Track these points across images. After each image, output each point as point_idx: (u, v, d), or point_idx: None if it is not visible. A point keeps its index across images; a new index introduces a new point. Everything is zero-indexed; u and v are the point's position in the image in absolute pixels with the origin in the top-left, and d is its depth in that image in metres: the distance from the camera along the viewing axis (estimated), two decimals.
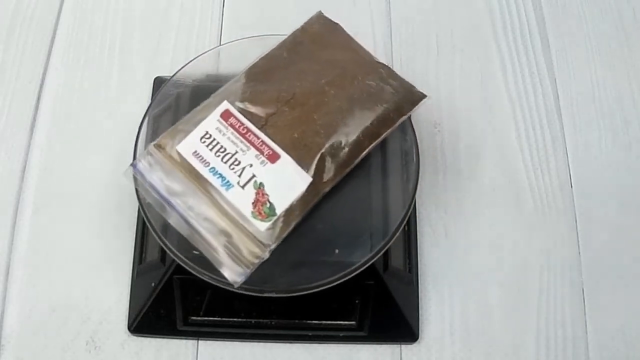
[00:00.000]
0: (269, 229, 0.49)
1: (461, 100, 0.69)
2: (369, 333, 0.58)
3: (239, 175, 0.51)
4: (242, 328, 0.58)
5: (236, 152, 0.51)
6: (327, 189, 0.52)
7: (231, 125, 0.52)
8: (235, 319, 0.57)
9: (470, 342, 0.59)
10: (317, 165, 0.51)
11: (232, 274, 0.49)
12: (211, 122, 0.52)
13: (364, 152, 0.53)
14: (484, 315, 0.60)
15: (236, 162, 0.51)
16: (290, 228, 0.50)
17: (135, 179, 0.51)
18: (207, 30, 0.71)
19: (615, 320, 0.60)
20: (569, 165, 0.66)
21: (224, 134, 0.52)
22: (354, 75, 0.55)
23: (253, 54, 0.60)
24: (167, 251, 0.52)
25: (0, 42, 0.70)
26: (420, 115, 0.68)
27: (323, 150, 0.51)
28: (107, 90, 0.68)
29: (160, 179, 0.51)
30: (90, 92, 0.68)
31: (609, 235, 0.63)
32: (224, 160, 0.51)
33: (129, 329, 0.58)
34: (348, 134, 0.52)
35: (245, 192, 0.50)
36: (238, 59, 0.57)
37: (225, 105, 0.52)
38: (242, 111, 0.52)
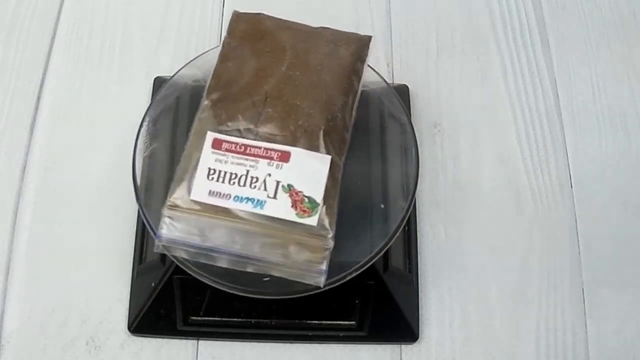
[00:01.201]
0: (320, 220, 0.49)
1: (461, 100, 0.69)
2: (369, 333, 0.58)
3: (265, 189, 0.49)
4: (242, 328, 0.58)
5: (247, 171, 0.50)
6: (344, 159, 0.52)
7: (228, 150, 0.50)
8: (235, 319, 0.57)
9: (470, 342, 0.59)
10: (325, 142, 0.51)
11: (313, 278, 0.48)
12: (208, 158, 0.50)
13: (354, 111, 0.54)
14: (484, 315, 0.60)
15: (254, 180, 0.49)
16: (336, 209, 0.50)
17: (166, 247, 0.49)
18: (207, 30, 0.71)
19: (615, 320, 0.60)
20: (569, 165, 0.66)
21: (226, 162, 0.50)
22: (306, 50, 0.55)
23: None
24: (167, 253, 0.52)
25: (0, 42, 0.70)
26: (420, 115, 0.68)
27: (324, 127, 0.51)
28: (107, 90, 0.68)
29: (192, 234, 0.49)
30: (90, 92, 0.68)
31: (609, 235, 0.63)
32: (241, 184, 0.49)
33: (129, 329, 0.58)
34: (334, 102, 0.53)
35: (279, 200, 0.49)
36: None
37: (210, 135, 0.51)
38: (229, 132, 0.51)
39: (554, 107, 0.69)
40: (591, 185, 0.65)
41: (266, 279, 0.50)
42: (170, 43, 0.71)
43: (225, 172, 0.50)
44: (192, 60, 0.59)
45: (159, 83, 0.67)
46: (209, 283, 0.51)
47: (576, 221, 0.64)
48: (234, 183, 0.49)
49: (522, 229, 0.63)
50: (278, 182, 0.49)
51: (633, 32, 0.73)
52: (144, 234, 0.60)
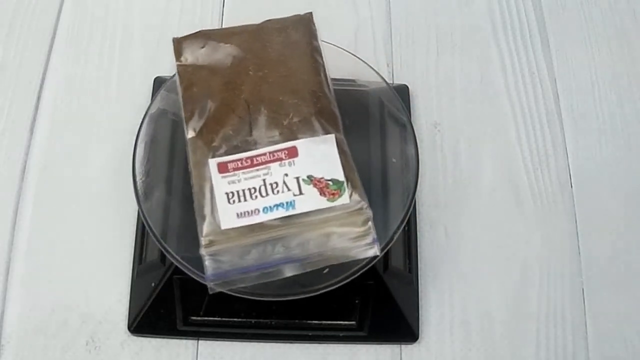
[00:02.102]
0: (350, 195, 0.49)
1: (461, 100, 0.69)
2: (369, 333, 0.58)
3: (288, 189, 0.49)
4: (242, 328, 0.58)
5: (263, 180, 0.49)
6: (342, 131, 0.52)
7: (236, 169, 0.50)
8: (235, 319, 0.57)
9: (470, 342, 0.59)
10: (321, 125, 0.51)
11: (368, 251, 0.49)
12: (220, 184, 0.49)
13: (330, 85, 0.54)
14: (484, 315, 0.60)
15: (274, 185, 0.49)
16: (359, 179, 0.50)
17: (220, 285, 0.48)
18: None
19: (615, 320, 0.60)
20: (569, 165, 0.66)
21: (239, 180, 0.49)
22: (262, 47, 0.55)
23: None
24: (166, 254, 0.52)
25: (0, 42, 0.70)
26: (420, 115, 0.68)
27: (314, 111, 0.52)
28: (107, 90, 0.68)
29: (238, 262, 0.48)
30: (90, 92, 0.68)
31: (609, 235, 0.63)
32: (263, 194, 0.49)
33: (129, 329, 0.58)
34: (311, 84, 0.53)
35: (306, 193, 0.49)
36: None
37: (213, 162, 0.50)
38: (228, 152, 0.50)
39: (554, 107, 0.69)
40: (591, 185, 0.65)
41: (325, 270, 0.50)
42: (170, 43, 0.71)
43: (243, 190, 0.49)
44: None
45: (159, 83, 0.67)
46: (203, 282, 0.51)
47: (576, 221, 0.64)
48: (256, 197, 0.49)
49: (522, 229, 0.63)
50: (297, 178, 0.49)
51: (633, 33, 0.73)
52: (144, 234, 0.60)
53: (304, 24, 0.57)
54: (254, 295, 0.51)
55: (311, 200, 0.49)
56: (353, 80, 0.60)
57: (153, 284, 0.58)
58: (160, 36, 0.71)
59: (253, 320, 0.57)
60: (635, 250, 0.63)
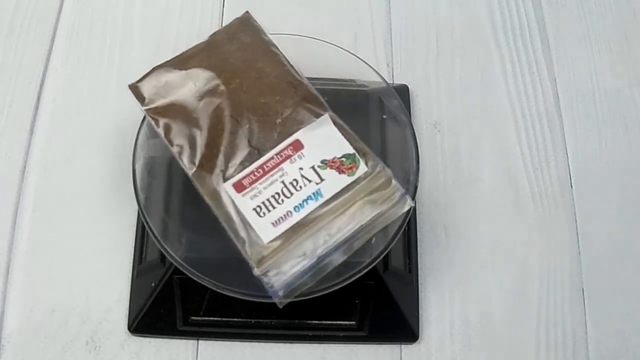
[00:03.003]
0: (366, 163, 0.51)
1: (461, 100, 0.69)
2: (369, 333, 0.58)
3: (309, 181, 0.50)
4: (242, 328, 0.58)
5: (282, 181, 0.50)
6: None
7: (252, 183, 0.50)
8: (235, 319, 0.57)
9: (470, 342, 0.59)
10: (310, 110, 0.52)
11: (403, 206, 0.50)
12: (243, 203, 0.50)
13: (297, 67, 0.55)
14: (484, 315, 0.60)
15: (294, 182, 0.50)
16: (363, 144, 0.52)
17: (288, 295, 0.49)
18: (207, 30, 0.71)
19: (615, 320, 0.60)
20: (569, 165, 0.66)
21: (260, 191, 0.50)
22: (222, 60, 0.55)
23: None
24: (166, 255, 0.52)
25: (0, 42, 0.70)
26: (420, 115, 0.68)
27: (299, 101, 0.53)
28: (107, 90, 0.68)
29: (294, 266, 0.49)
30: (90, 92, 0.68)
31: (609, 235, 0.63)
32: (288, 194, 0.50)
33: (129, 329, 0.58)
34: (284, 77, 0.54)
35: (327, 178, 0.50)
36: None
37: (227, 186, 0.50)
38: (237, 170, 0.51)
39: (554, 107, 0.69)
40: (591, 185, 0.65)
41: (373, 240, 0.51)
42: (170, 43, 0.71)
43: (268, 199, 0.50)
44: None
45: None
46: (207, 285, 0.51)
47: (576, 221, 0.64)
48: (282, 200, 0.50)
49: (522, 229, 0.63)
50: (313, 167, 0.51)
51: (633, 32, 0.73)
52: (144, 234, 0.60)
53: (248, 24, 0.57)
54: (255, 297, 0.51)
55: (334, 182, 0.50)
56: (353, 80, 0.60)
57: (153, 284, 0.58)
58: (160, 36, 0.71)
59: (253, 320, 0.57)
60: (635, 250, 0.63)
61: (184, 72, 0.54)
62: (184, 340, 0.58)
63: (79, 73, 0.69)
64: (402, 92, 0.67)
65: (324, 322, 0.58)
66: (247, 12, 0.57)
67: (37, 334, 0.58)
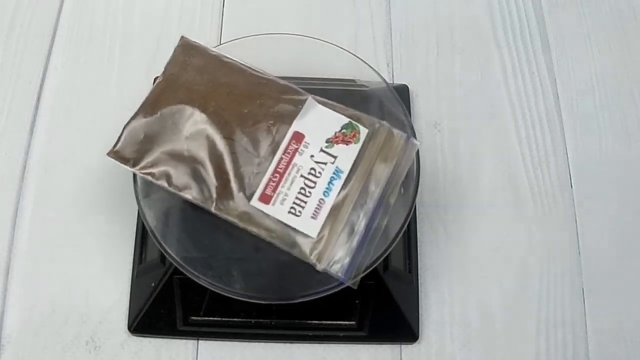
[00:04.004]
0: (364, 126, 0.53)
1: (461, 100, 0.69)
2: (369, 333, 0.58)
3: (324, 164, 0.52)
4: (242, 328, 0.58)
5: (301, 175, 0.52)
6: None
7: (274, 189, 0.51)
8: (235, 319, 0.57)
9: (470, 342, 0.59)
10: (290, 100, 0.54)
11: (412, 150, 0.53)
12: (278, 211, 0.50)
13: (251, 65, 0.56)
14: (484, 315, 0.60)
15: (312, 172, 0.52)
16: (353, 107, 0.54)
17: (356, 274, 0.50)
18: (207, 30, 0.71)
19: (615, 320, 0.60)
20: (569, 165, 0.66)
21: (285, 194, 0.51)
22: (186, 91, 0.54)
23: (253, 53, 0.60)
24: (166, 255, 0.52)
25: (0, 42, 0.70)
26: (420, 115, 0.68)
27: (276, 96, 0.54)
28: (107, 90, 0.68)
29: (348, 248, 0.50)
30: (90, 92, 0.68)
31: (609, 235, 0.63)
32: (312, 185, 0.51)
33: (129, 329, 0.58)
34: (249, 79, 0.55)
35: (339, 155, 0.52)
36: (238, 59, 0.57)
37: (254, 204, 0.50)
38: (255, 185, 0.51)
39: (554, 107, 0.69)
40: (591, 185, 0.65)
41: (402, 190, 0.53)
42: (170, 43, 0.70)
43: (296, 197, 0.51)
44: None
45: None
46: (206, 286, 0.51)
47: (576, 221, 0.64)
48: (310, 192, 0.51)
49: (522, 229, 0.63)
50: (321, 149, 0.52)
51: (633, 32, 0.73)
52: (144, 234, 0.60)
53: (191, 47, 0.56)
54: (256, 299, 0.51)
55: (346, 155, 0.52)
56: (353, 80, 0.60)
57: (153, 284, 0.58)
58: (160, 36, 0.71)
59: (253, 320, 0.57)
60: (635, 250, 0.63)
61: (156, 116, 0.53)
62: (184, 340, 0.58)
63: (79, 73, 0.69)
64: (402, 92, 0.67)
65: (324, 322, 0.58)
66: (182, 36, 0.57)
67: (37, 334, 0.58)
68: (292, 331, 0.58)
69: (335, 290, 0.51)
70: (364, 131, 0.53)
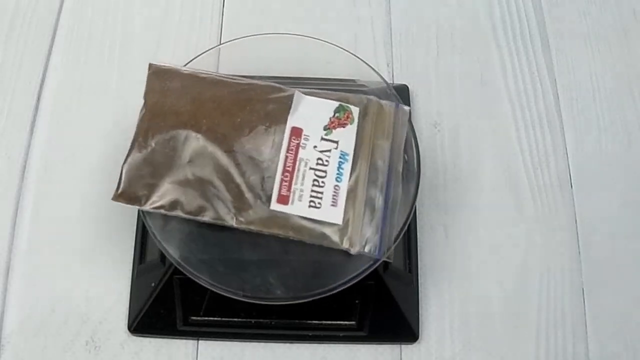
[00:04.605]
0: (353, 104, 0.55)
1: (461, 100, 0.69)
2: (369, 333, 0.58)
3: (329, 152, 0.53)
4: (242, 328, 0.58)
5: (310, 168, 0.52)
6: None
7: (289, 188, 0.51)
8: (235, 319, 0.57)
9: (470, 342, 0.59)
10: (278, 98, 0.54)
11: (405, 113, 0.55)
12: (299, 208, 0.51)
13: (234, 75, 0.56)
14: (484, 315, 0.60)
15: (320, 162, 0.52)
16: (338, 91, 0.56)
17: (388, 247, 0.51)
18: (207, 30, 0.71)
19: (615, 320, 0.60)
20: (569, 165, 0.66)
21: (301, 190, 0.51)
22: (173, 114, 0.53)
23: (253, 53, 0.60)
24: (166, 254, 0.52)
25: (0, 42, 0.70)
26: (420, 115, 0.68)
27: (263, 98, 0.54)
28: (107, 90, 0.68)
29: (374, 224, 0.51)
30: (90, 92, 0.68)
31: (609, 235, 0.63)
32: (322, 174, 0.52)
33: (129, 329, 0.58)
34: (233, 88, 0.55)
35: (339, 139, 0.53)
36: (238, 59, 0.57)
37: (274, 207, 0.51)
38: (269, 188, 0.51)
39: (554, 107, 0.69)
40: (591, 185, 0.65)
41: (406, 157, 0.54)
42: (170, 43, 0.71)
43: (311, 190, 0.52)
44: (192, 60, 0.59)
45: None
46: (207, 286, 0.51)
47: (576, 221, 0.64)
48: (323, 182, 0.52)
49: (522, 229, 0.63)
50: (322, 138, 0.53)
51: (633, 32, 0.73)
52: (144, 234, 0.60)
53: (163, 71, 0.55)
54: (255, 298, 0.51)
55: (346, 137, 0.53)
56: (353, 80, 0.60)
57: (153, 284, 0.58)
58: (160, 36, 0.71)
59: (253, 320, 0.57)
60: (635, 250, 0.63)
61: (152, 148, 0.52)
62: (184, 340, 0.58)
63: (79, 73, 0.69)
64: (402, 92, 0.67)
65: (324, 322, 0.58)
66: (150, 64, 0.56)
67: (37, 334, 0.58)
68: (292, 331, 0.58)
69: (336, 291, 0.51)
70: (355, 110, 0.54)
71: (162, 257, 0.57)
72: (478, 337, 0.59)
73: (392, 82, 0.69)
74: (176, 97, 0.54)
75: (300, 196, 0.51)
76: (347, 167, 0.52)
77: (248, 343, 0.58)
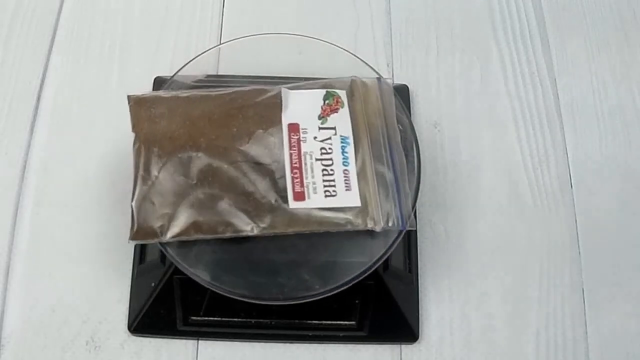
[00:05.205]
0: (339, 89, 0.56)
1: (461, 100, 0.69)
2: (369, 333, 0.58)
3: (329, 139, 0.53)
4: (242, 328, 0.58)
5: (316, 159, 0.53)
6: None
7: (301, 183, 0.52)
8: (235, 319, 0.57)
9: (470, 342, 0.59)
10: (267, 100, 0.54)
11: (387, 83, 0.57)
12: (316, 201, 0.51)
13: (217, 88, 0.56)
14: (484, 315, 0.60)
15: (323, 151, 0.53)
16: (319, 79, 0.57)
17: (411, 218, 0.52)
18: (207, 30, 0.71)
19: (615, 320, 0.60)
20: (569, 165, 0.66)
21: (313, 182, 0.52)
22: (167, 139, 0.53)
23: (253, 53, 0.60)
24: (166, 254, 0.52)
25: (0, 42, 0.70)
26: (420, 115, 0.68)
27: (253, 102, 0.54)
28: (107, 91, 0.68)
29: (388, 195, 0.52)
30: (90, 92, 0.68)
31: (609, 235, 0.63)
32: (329, 162, 0.53)
33: (129, 329, 0.58)
34: (221, 101, 0.54)
35: (336, 124, 0.54)
36: (238, 59, 0.57)
37: (292, 205, 0.51)
38: (283, 189, 0.51)
39: (554, 107, 0.69)
40: (591, 185, 0.65)
41: (400, 127, 0.55)
42: (170, 43, 0.71)
43: (324, 180, 0.52)
44: (192, 60, 0.59)
45: (159, 83, 0.67)
46: (207, 286, 0.51)
47: (576, 221, 0.64)
48: (332, 170, 0.52)
49: (522, 229, 0.63)
50: (320, 128, 0.54)
51: (633, 32, 0.73)
52: None
53: (142, 101, 0.54)
54: (257, 299, 0.51)
55: (341, 122, 0.54)
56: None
57: (153, 284, 0.58)
58: (160, 36, 0.71)
59: (253, 320, 0.57)
60: (635, 250, 0.63)
61: (156, 178, 0.51)
62: (184, 340, 0.58)
63: (79, 73, 0.69)
64: (402, 92, 0.67)
65: (324, 322, 0.58)
66: (128, 95, 0.54)
67: (37, 334, 0.58)
68: (292, 331, 0.58)
69: (337, 291, 0.51)
70: (342, 93, 0.55)
71: (162, 257, 0.57)
72: (478, 337, 0.59)
73: (392, 82, 0.69)
74: (166, 122, 0.53)
75: (315, 188, 0.51)
76: (350, 149, 0.53)
77: (248, 343, 0.58)
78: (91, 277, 0.60)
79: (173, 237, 0.50)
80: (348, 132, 0.54)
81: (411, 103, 0.68)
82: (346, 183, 0.52)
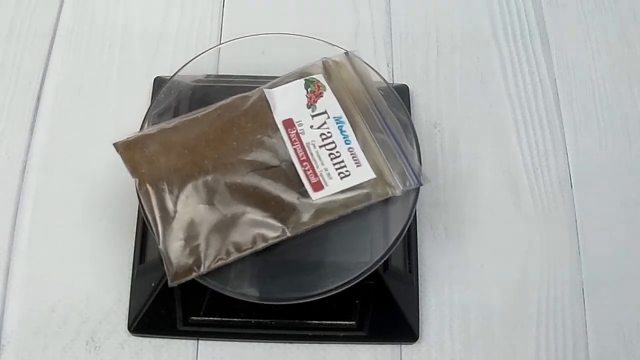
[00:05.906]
0: (316, 74, 0.57)
1: (461, 100, 0.69)
2: (369, 333, 0.58)
3: (325, 124, 0.55)
4: (242, 328, 0.58)
5: (320, 146, 0.53)
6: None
7: (314, 173, 0.52)
8: (235, 319, 0.57)
9: (470, 342, 0.59)
10: (255, 104, 0.55)
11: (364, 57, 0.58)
12: (333, 186, 0.52)
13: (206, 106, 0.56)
14: (484, 315, 0.60)
15: (324, 137, 0.54)
16: (299, 69, 0.58)
17: (421, 171, 0.54)
18: (207, 30, 0.71)
19: (615, 320, 0.60)
20: (569, 165, 0.66)
21: (325, 168, 0.53)
22: (166, 168, 0.53)
23: (253, 53, 0.60)
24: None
25: (0, 42, 0.70)
26: (420, 115, 0.68)
27: (242, 108, 0.55)
28: (107, 91, 0.68)
29: (399, 161, 0.54)
30: (90, 92, 0.68)
31: (609, 236, 0.63)
32: (331, 146, 0.54)
33: (129, 329, 0.58)
34: (217, 119, 0.55)
35: (326, 108, 0.55)
36: (238, 59, 0.57)
37: (314, 197, 0.52)
38: (298, 184, 0.52)
39: (554, 107, 0.69)
40: (591, 185, 0.65)
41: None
42: (170, 43, 0.71)
43: (334, 164, 0.53)
44: (192, 60, 0.59)
45: (159, 83, 0.67)
46: (208, 286, 0.51)
47: (576, 221, 0.64)
48: (338, 152, 0.53)
49: (522, 229, 0.63)
50: (312, 116, 0.55)
51: (633, 32, 0.73)
52: (144, 234, 0.60)
53: (131, 143, 0.54)
54: (257, 299, 0.51)
55: (330, 105, 0.55)
56: None
57: (153, 284, 0.58)
58: (160, 36, 0.71)
59: (253, 320, 0.57)
60: (635, 250, 0.63)
61: (176, 214, 0.51)
62: (184, 340, 0.58)
63: (79, 73, 0.69)
64: (402, 92, 0.67)
65: (324, 322, 0.58)
66: (114, 143, 0.54)
67: (37, 334, 0.58)
68: (292, 331, 0.58)
69: (337, 291, 0.51)
70: (320, 77, 0.56)
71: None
72: (478, 337, 0.59)
73: (392, 82, 0.69)
74: (165, 158, 0.52)
75: (329, 174, 0.52)
76: (347, 127, 0.55)
77: (248, 343, 0.58)
78: (91, 277, 0.60)
79: (212, 266, 0.50)
80: (339, 112, 0.55)
81: (411, 103, 0.68)
82: (355, 160, 0.53)
